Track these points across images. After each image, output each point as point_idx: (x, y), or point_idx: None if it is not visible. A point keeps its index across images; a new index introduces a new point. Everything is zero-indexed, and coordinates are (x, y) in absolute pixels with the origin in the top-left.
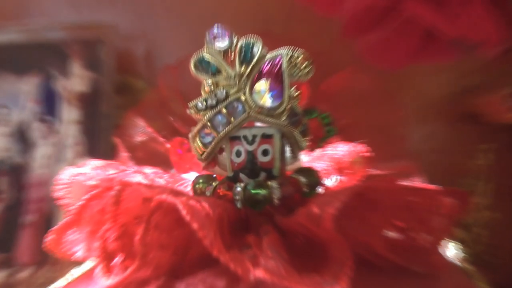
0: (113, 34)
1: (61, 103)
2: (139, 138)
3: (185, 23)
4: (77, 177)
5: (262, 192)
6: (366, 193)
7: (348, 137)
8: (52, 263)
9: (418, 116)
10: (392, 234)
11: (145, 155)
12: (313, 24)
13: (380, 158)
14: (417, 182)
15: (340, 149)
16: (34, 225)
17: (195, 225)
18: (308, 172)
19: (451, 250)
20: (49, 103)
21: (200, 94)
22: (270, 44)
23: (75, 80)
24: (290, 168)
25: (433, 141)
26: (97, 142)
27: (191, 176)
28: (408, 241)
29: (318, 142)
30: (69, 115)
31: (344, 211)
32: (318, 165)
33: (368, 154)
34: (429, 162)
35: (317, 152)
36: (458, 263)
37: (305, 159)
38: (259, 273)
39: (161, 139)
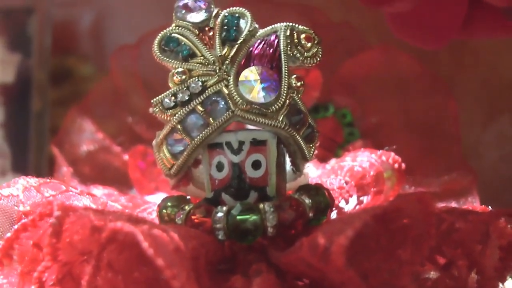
0: (47, 0)
1: None
2: (85, 147)
3: None
4: (3, 200)
5: (251, 218)
6: (392, 218)
7: (378, 142)
8: None
9: (482, 111)
10: (428, 273)
11: (94, 170)
12: None
13: (424, 171)
14: (473, 203)
15: (364, 159)
16: None
17: (160, 262)
18: (315, 191)
19: None
20: None
21: (168, 86)
22: (266, 13)
23: None
24: (291, 186)
25: (503, 145)
26: (27, 153)
27: (158, 198)
28: (450, 283)
29: (335, 149)
30: None
31: (362, 242)
32: (332, 182)
33: (402, 166)
34: (497, 175)
35: (332, 163)
36: None
37: (314, 173)
38: None
39: (117, 149)
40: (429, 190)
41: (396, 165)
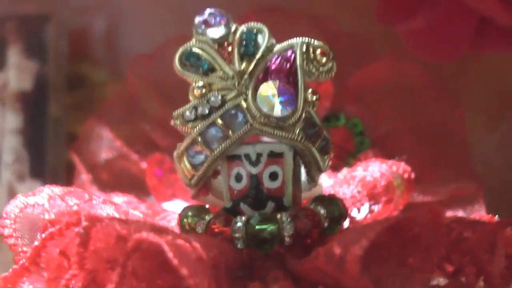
0: (63, 7)
1: None
2: (104, 155)
3: None
4: (29, 209)
5: (269, 228)
6: (403, 228)
7: (388, 151)
8: None
9: (487, 117)
10: (439, 280)
11: (113, 178)
12: None
13: (432, 178)
14: (479, 211)
15: (374, 169)
16: None
17: (184, 271)
18: (330, 201)
19: None
20: None
21: (187, 98)
22: (278, 23)
23: (13, 73)
24: (306, 195)
25: (508, 152)
26: (45, 158)
27: (176, 205)
28: None
29: (346, 158)
30: (5, 122)
31: (375, 251)
32: (345, 191)
33: (412, 175)
34: (502, 181)
35: (344, 172)
36: None
37: (327, 182)
38: None
39: (134, 157)
40: (437, 198)
41: (406, 175)
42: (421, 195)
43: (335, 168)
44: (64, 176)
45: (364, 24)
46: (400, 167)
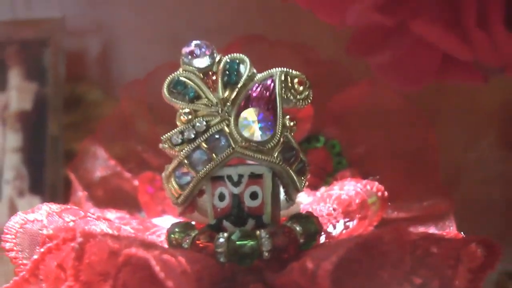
0: (60, 31)
1: None
2: (99, 173)
3: (152, 11)
4: (29, 225)
5: (249, 243)
6: (373, 245)
7: (364, 170)
8: None
9: (464, 136)
10: None
11: (107, 194)
12: (325, 28)
13: (406, 196)
14: (450, 227)
15: (350, 188)
16: None
17: (170, 284)
18: (306, 219)
19: None
20: None
21: (174, 119)
22: (262, 51)
23: (13, 94)
24: (285, 213)
25: (483, 169)
26: (44, 175)
27: (165, 221)
28: None
29: (325, 177)
30: (6, 141)
31: (346, 266)
32: (322, 209)
33: (385, 194)
34: (477, 197)
35: (322, 191)
36: None
37: (306, 200)
38: None
39: (127, 175)
40: (410, 215)
41: (379, 193)
42: (395, 212)
43: (314, 187)
44: (62, 191)
45: (345, 52)
46: (374, 186)
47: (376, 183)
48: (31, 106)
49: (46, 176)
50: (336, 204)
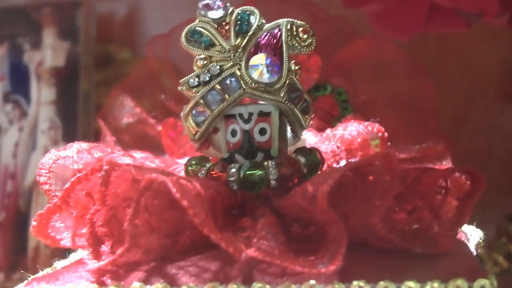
0: None
1: (31, 79)
2: (126, 119)
3: None
4: (61, 160)
5: (258, 173)
6: (366, 172)
7: (367, 116)
8: (24, 267)
9: (464, 89)
10: (396, 215)
11: (133, 139)
12: None
13: (405, 140)
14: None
15: (353, 129)
16: (1, 225)
17: (185, 203)
18: (309, 152)
19: (474, 239)
20: (16, 80)
21: (193, 70)
22: (273, 8)
23: (48, 52)
24: (292, 149)
25: (484, 120)
26: (76, 126)
27: (185, 161)
28: (413, 223)
29: (332, 121)
30: (41, 94)
31: (342, 190)
32: (326, 147)
33: (385, 134)
34: (474, 147)
35: (328, 132)
36: (473, 248)
37: (313, 140)
38: (250, 252)
39: (152, 121)
40: (409, 156)
41: (380, 134)
42: (396, 154)
43: (322, 130)
44: (93, 141)
45: (352, 10)
46: (375, 127)
47: (377, 124)
48: (64, 63)
49: (78, 127)
50: (339, 142)
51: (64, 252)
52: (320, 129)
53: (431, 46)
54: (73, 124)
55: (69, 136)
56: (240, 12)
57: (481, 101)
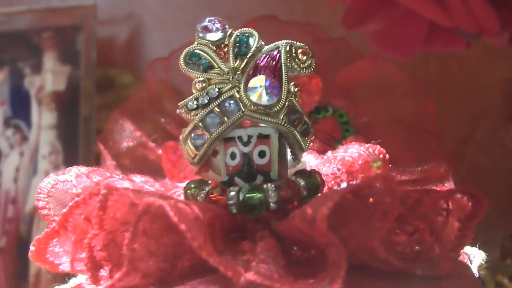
0: (91, 18)
1: (32, 104)
2: (126, 143)
3: (177, 1)
4: (59, 185)
5: (257, 196)
6: (366, 194)
7: (369, 137)
8: None
9: (468, 110)
10: (397, 237)
11: (133, 163)
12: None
13: (406, 161)
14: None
15: (354, 151)
16: (2, 250)
17: (183, 226)
18: (309, 174)
19: (476, 260)
20: (17, 105)
21: (192, 92)
22: (274, 30)
23: (48, 76)
24: (292, 171)
25: (488, 140)
26: (77, 150)
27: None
28: (414, 245)
29: (333, 144)
30: (42, 119)
31: (341, 212)
32: (327, 169)
33: (387, 156)
34: (477, 167)
35: (329, 154)
36: (475, 270)
37: (313, 162)
38: (250, 276)
39: (152, 144)
40: (411, 177)
41: (381, 156)
42: (398, 175)
43: (323, 152)
44: (94, 166)
45: (353, 31)
46: (376, 149)
47: (378, 146)
48: (64, 87)
49: (79, 152)
50: (340, 165)
51: (65, 278)
52: (322, 151)
53: (434, 67)
54: (74, 148)
55: (70, 160)
56: (239, 34)
57: (484, 121)
